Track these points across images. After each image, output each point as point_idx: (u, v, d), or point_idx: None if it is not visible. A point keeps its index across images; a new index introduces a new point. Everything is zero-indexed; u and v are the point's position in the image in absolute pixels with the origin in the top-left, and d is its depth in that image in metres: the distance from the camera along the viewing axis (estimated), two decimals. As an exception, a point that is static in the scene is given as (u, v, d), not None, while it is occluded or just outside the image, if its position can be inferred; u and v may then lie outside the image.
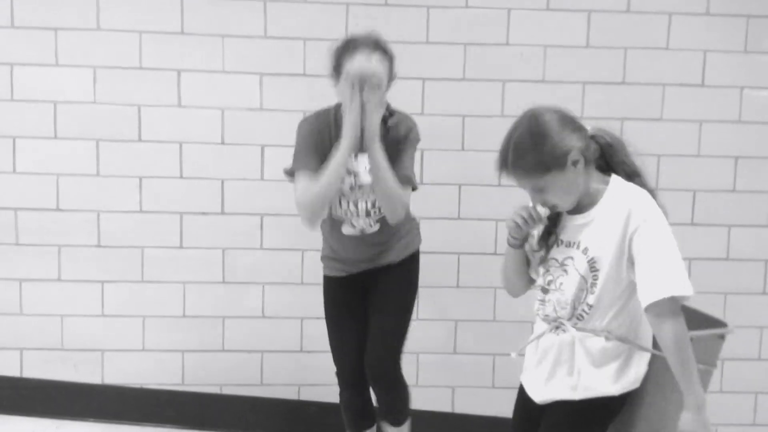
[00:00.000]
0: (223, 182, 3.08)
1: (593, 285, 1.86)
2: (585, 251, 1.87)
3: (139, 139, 3.07)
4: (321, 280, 2.60)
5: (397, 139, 2.40)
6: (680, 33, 3.07)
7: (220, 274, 3.12)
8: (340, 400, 2.62)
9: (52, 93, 3.04)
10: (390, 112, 2.42)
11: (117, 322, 3.15)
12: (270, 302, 3.13)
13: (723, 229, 3.16)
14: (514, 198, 1.99)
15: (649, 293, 1.76)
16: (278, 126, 3.03)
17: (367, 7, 3.04)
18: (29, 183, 3.08)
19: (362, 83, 2.26)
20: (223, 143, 3.07)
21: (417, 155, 3.06)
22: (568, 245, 1.91)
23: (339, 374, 2.59)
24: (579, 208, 1.90)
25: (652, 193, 1.88)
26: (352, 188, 2.38)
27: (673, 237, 1.80)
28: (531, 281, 2.06)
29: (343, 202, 2.41)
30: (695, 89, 3.10)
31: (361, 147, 2.32)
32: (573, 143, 1.81)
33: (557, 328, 1.93)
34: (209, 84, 3.05)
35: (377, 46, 2.33)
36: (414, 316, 3.14)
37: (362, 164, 2.37)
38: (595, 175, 1.90)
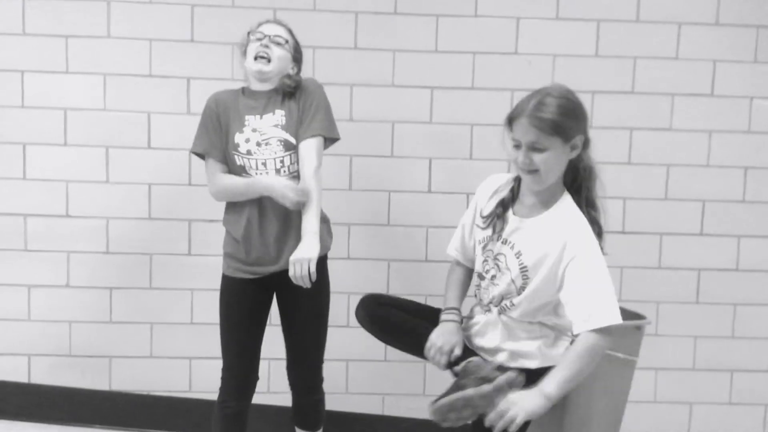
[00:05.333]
0: (231, 190, 3.08)
1: (522, 288, 1.95)
2: (518, 255, 1.95)
3: (149, 146, 3.08)
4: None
5: (287, 89, 2.47)
6: (690, 42, 3.07)
7: (227, 281, 3.12)
8: (223, 411, 2.56)
9: (62, 100, 3.06)
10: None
11: (125, 328, 3.16)
12: (276, 310, 3.12)
13: (733, 240, 3.14)
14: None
15: (582, 323, 1.85)
16: (287, 134, 3.04)
17: (376, 16, 3.04)
18: (39, 189, 3.09)
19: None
20: (231, 151, 3.08)
21: (425, 164, 3.08)
22: (504, 242, 1.99)
23: (231, 382, 2.57)
24: (524, 211, 1.98)
25: (599, 230, 1.95)
26: (258, 144, 2.41)
27: (606, 269, 1.89)
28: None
29: (251, 161, 2.41)
30: (705, 99, 3.09)
31: (266, 108, 2.44)
32: (584, 132, 1.95)
33: (488, 311, 2.07)
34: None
35: (283, 23, 2.55)
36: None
37: (267, 122, 2.43)
38: (560, 182, 1.98)
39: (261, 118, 2.44)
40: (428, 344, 2.06)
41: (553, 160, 1.90)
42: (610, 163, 3.10)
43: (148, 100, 3.07)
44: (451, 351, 2.03)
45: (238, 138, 2.42)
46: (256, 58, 2.42)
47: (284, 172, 2.42)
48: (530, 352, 2.02)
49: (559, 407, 2.03)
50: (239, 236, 2.45)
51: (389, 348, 3.18)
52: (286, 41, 2.47)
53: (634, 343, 2.14)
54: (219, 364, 3.17)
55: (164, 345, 3.17)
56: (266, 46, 2.42)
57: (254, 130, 2.42)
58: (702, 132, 3.11)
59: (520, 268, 1.95)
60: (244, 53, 2.48)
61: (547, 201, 1.97)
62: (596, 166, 2.01)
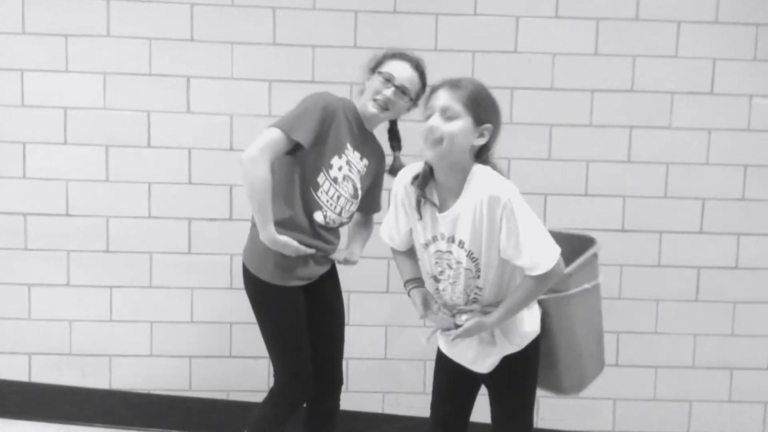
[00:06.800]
0: (231, 188, 3.08)
1: (478, 271, 1.99)
2: (461, 244, 1.98)
3: (148, 145, 3.08)
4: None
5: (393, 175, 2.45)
6: (689, 41, 3.07)
7: (227, 280, 3.12)
8: (291, 406, 2.50)
9: (62, 99, 3.06)
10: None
11: (125, 327, 3.16)
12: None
13: (732, 238, 3.15)
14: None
15: (532, 269, 1.94)
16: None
17: (376, 15, 3.05)
18: (39, 188, 3.09)
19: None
20: (231, 149, 3.08)
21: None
22: (448, 240, 2.01)
23: (304, 382, 2.48)
24: (447, 204, 1.99)
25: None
26: (344, 179, 2.39)
27: (531, 212, 1.94)
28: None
29: (331, 189, 2.37)
30: (704, 97, 3.09)
31: (360, 147, 2.42)
32: (494, 124, 1.97)
33: (455, 315, 2.06)
34: (218, 90, 3.06)
35: (419, 67, 2.42)
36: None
37: (355, 161, 2.41)
38: (465, 169, 1.98)
39: (353, 152, 2.41)
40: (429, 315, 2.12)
41: (460, 135, 1.91)
42: (610, 161, 3.11)
43: (147, 99, 3.07)
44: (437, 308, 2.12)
45: (336, 161, 2.36)
46: (374, 100, 2.37)
47: (343, 214, 2.43)
48: (517, 337, 2.06)
49: (551, 348, 2.14)
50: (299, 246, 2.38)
51: (389, 346, 3.20)
52: (411, 98, 2.39)
53: (594, 269, 2.23)
54: (218, 363, 3.18)
55: (164, 344, 3.17)
56: (388, 99, 2.35)
57: (348, 163, 2.39)
58: (701, 130, 3.12)
59: (467, 255, 1.97)
60: (371, 71, 2.43)
61: (460, 181, 1.97)
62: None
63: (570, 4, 3.05)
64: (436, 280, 2.08)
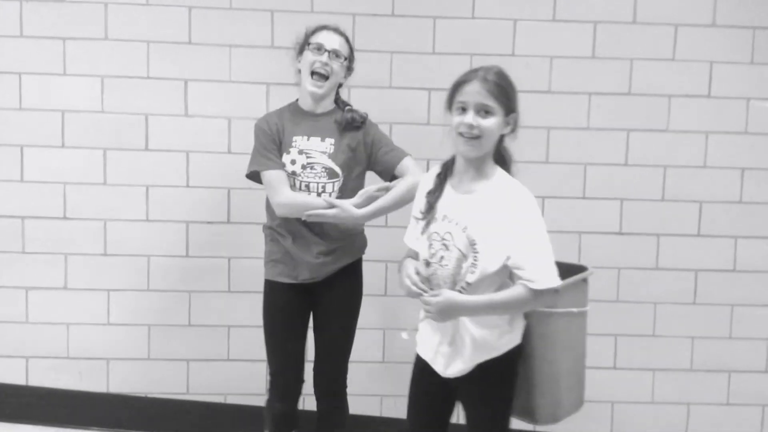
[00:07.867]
0: (229, 191, 3.08)
1: (474, 265, 1.96)
2: (464, 229, 1.96)
3: (146, 148, 3.08)
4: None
5: (355, 124, 2.50)
6: (686, 44, 3.07)
7: (225, 283, 3.12)
8: (272, 408, 2.59)
9: (60, 102, 3.06)
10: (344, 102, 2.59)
11: (122, 330, 3.16)
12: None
13: (729, 241, 3.15)
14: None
15: (527, 282, 1.93)
16: (284, 135, 3.04)
17: (374, 18, 3.05)
18: (36, 191, 3.09)
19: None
20: (229, 152, 3.08)
21: (422, 165, 3.08)
22: (450, 221, 2.00)
23: (278, 384, 2.58)
24: (464, 187, 2.01)
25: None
26: (304, 167, 2.44)
27: (546, 234, 1.96)
28: None
29: (295, 182, 2.44)
30: (701, 100, 3.10)
31: (315, 131, 2.47)
32: (517, 111, 2.01)
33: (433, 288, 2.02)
34: (216, 93, 3.06)
35: (342, 33, 2.53)
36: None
37: (314, 146, 2.45)
38: (490, 160, 2.02)
39: (308, 140, 2.46)
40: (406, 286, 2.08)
41: (495, 128, 1.95)
42: (607, 164, 3.12)
43: (145, 102, 3.07)
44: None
45: (285, 158, 2.45)
46: (312, 74, 2.44)
47: (328, 196, 2.44)
48: (492, 342, 2.02)
49: (528, 369, 2.10)
50: (288, 245, 2.48)
51: (387, 349, 3.19)
52: (345, 58, 2.48)
53: (583, 295, 2.22)
54: (216, 366, 3.19)
55: (161, 347, 3.16)
56: (326, 64, 2.43)
57: (301, 152, 2.44)
58: (699, 133, 3.12)
59: (469, 242, 1.95)
60: (300, 52, 2.51)
61: (483, 174, 2.00)
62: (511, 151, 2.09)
63: (567, 8, 3.05)
64: (428, 264, 2.06)
